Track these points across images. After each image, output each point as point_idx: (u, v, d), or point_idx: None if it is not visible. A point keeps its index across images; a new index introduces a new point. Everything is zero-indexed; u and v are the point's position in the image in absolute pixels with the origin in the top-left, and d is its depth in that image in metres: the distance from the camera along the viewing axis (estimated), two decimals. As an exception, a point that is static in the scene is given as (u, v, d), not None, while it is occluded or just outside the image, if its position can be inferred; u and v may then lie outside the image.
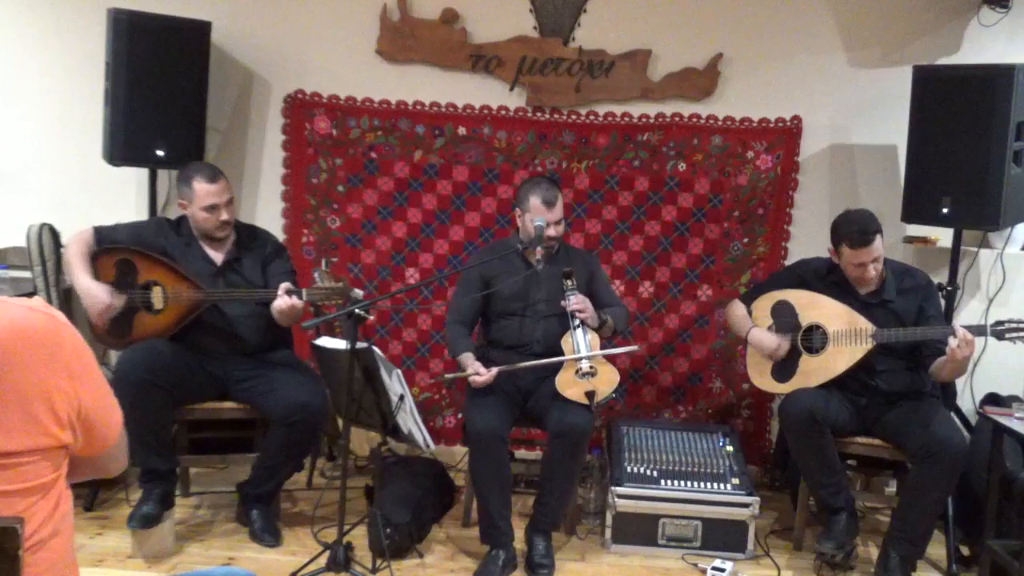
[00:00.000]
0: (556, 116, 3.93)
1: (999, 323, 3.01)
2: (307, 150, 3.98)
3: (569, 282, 3.19)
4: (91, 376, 1.48)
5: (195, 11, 3.71)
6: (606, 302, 3.37)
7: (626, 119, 3.92)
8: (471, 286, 3.33)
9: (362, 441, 3.89)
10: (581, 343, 3.13)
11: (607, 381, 3.12)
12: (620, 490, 3.28)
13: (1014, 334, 2.99)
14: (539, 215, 3.20)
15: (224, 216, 3.21)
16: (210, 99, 3.76)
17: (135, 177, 3.95)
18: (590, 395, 3.07)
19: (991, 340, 3.07)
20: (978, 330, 3.00)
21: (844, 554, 3.19)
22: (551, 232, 3.21)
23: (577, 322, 3.15)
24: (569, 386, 3.09)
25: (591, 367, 3.09)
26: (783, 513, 3.69)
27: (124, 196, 3.97)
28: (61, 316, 1.46)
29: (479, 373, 3.10)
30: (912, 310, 3.19)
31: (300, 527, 3.35)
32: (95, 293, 3.08)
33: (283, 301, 3.02)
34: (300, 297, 3.04)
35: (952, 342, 2.95)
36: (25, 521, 1.36)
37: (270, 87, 3.98)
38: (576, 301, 3.16)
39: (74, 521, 1.56)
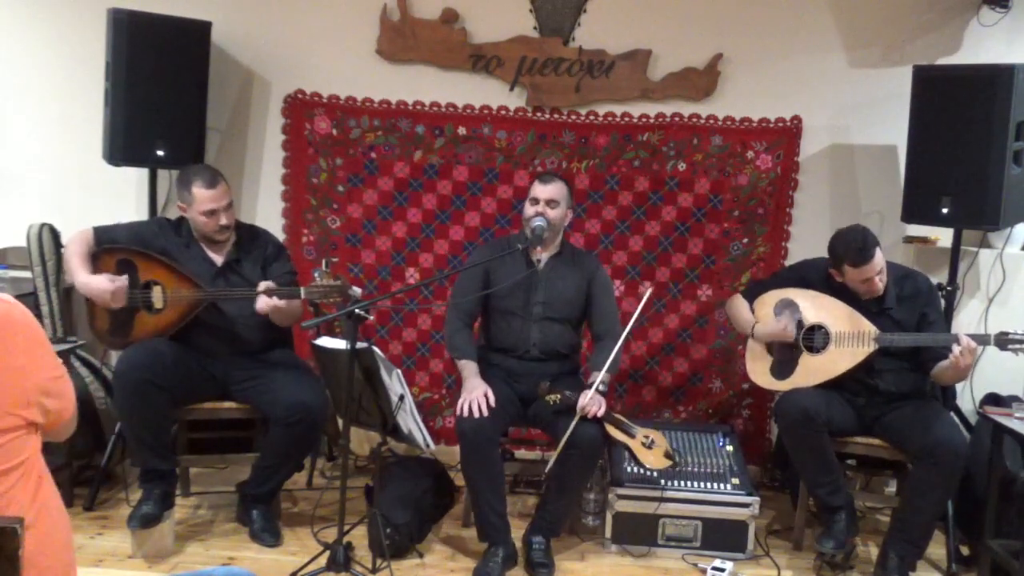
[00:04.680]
0: (556, 116, 3.93)
1: (1004, 333, 3.00)
2: (307, 150, 3.98)
3: (551, 397, 3.09)
4: (45, 351, 1.56)
5: (195, 11, 3.71)
6: (600, 315, 3.32)
7: (626, 119, 3.92)
8: (472, 281, 3.33)
9: (362, 441, 3.89)
10: (624, 427, 3.16)
11: (661, 436, 3.22)
12: (620, 490, 3.28)
13: (1017, 346, 2.98)
14: (531, 193, 3.27)
15: (223, 221, 3.20)
16: (210, 99, 3.76)
17: (135, 177, 3.96)
18: (669, 455, 3.18)
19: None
20: (982, 339, 3.00)
21: (844, 554, 3.19)
22: (539, 208, 3.22)
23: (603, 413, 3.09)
24: (649, 460, 3.17)
25: (647, 436, 3.18)
26: (783, 513, 3.69)
27: (124, 196, 3.98)
28: (9, 296, 1.54)
29: (474, 394, 3.04)
30: (913, 318, 3.19)
31: (300, 527, 3.35)
32: (95, 284, 3.07)
33: (262, 303, 3.04)
34: (297, 296, 3.04)
35: (955, 349, 2.94)
36: (8, 502, 1.45)
37: (270, 87, 3.98)
38: (592, 411, 3.04)
39: (70, 519, 1.57)
